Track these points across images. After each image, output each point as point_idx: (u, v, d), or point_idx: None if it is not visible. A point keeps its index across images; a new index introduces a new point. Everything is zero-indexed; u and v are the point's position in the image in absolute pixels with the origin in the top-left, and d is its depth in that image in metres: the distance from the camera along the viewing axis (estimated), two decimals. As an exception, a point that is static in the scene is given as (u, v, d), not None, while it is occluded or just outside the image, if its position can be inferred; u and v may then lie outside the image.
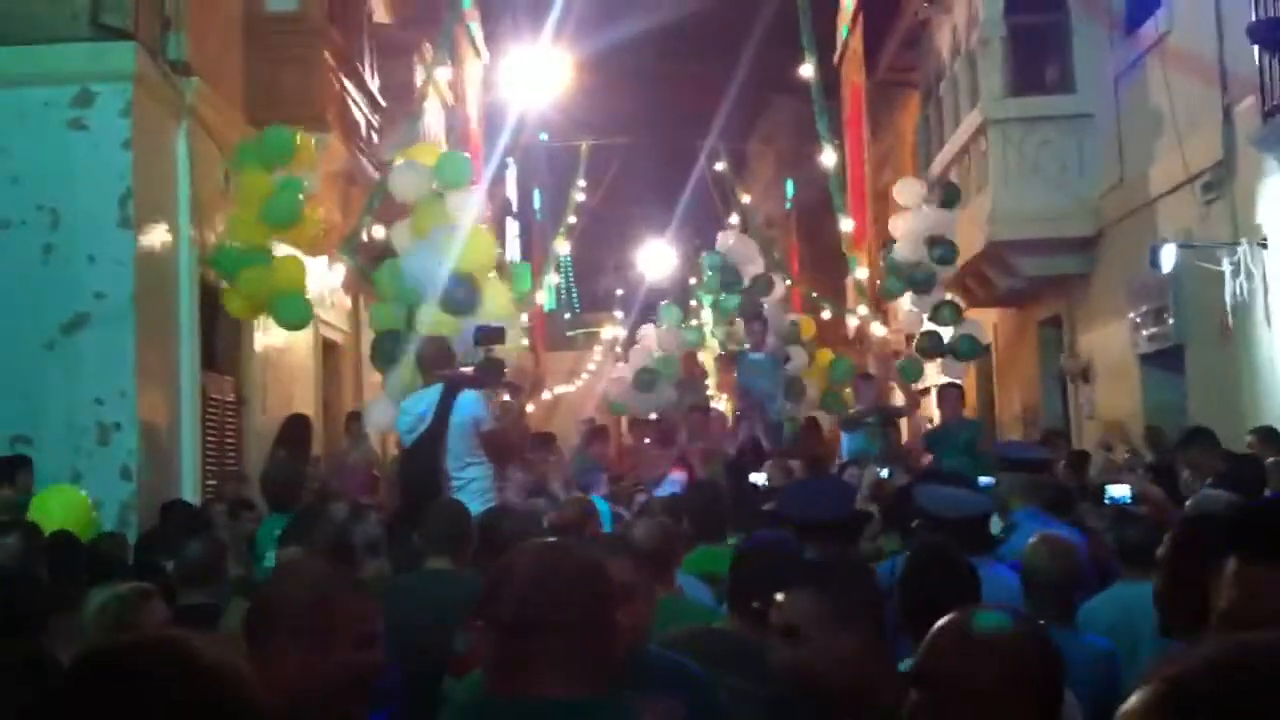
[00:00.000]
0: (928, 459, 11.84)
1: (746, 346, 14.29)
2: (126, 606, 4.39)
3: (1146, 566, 4.99)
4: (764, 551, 3.89)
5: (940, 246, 14.31)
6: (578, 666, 2.32)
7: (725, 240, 17.47)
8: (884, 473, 9.39)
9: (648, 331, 18.47)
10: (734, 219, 30.39)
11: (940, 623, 2.65)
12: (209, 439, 10.43)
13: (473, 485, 7.89)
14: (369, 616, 2.59)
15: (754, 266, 16.52)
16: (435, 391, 8.09)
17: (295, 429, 10.08)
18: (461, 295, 10.12)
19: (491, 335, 9.48)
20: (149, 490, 9.02)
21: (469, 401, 8.07)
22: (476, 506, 7.52)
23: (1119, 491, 6.76)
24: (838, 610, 2.99)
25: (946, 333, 14.55)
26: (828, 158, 15.78)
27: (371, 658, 2.54)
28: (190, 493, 9.57)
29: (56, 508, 6.85)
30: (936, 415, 13.20)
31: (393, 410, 9.48)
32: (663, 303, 19.44)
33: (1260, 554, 1.61)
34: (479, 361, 9.43)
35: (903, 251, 14.70)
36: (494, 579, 2.47)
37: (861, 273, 17.66)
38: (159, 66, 9.71)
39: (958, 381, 13.93)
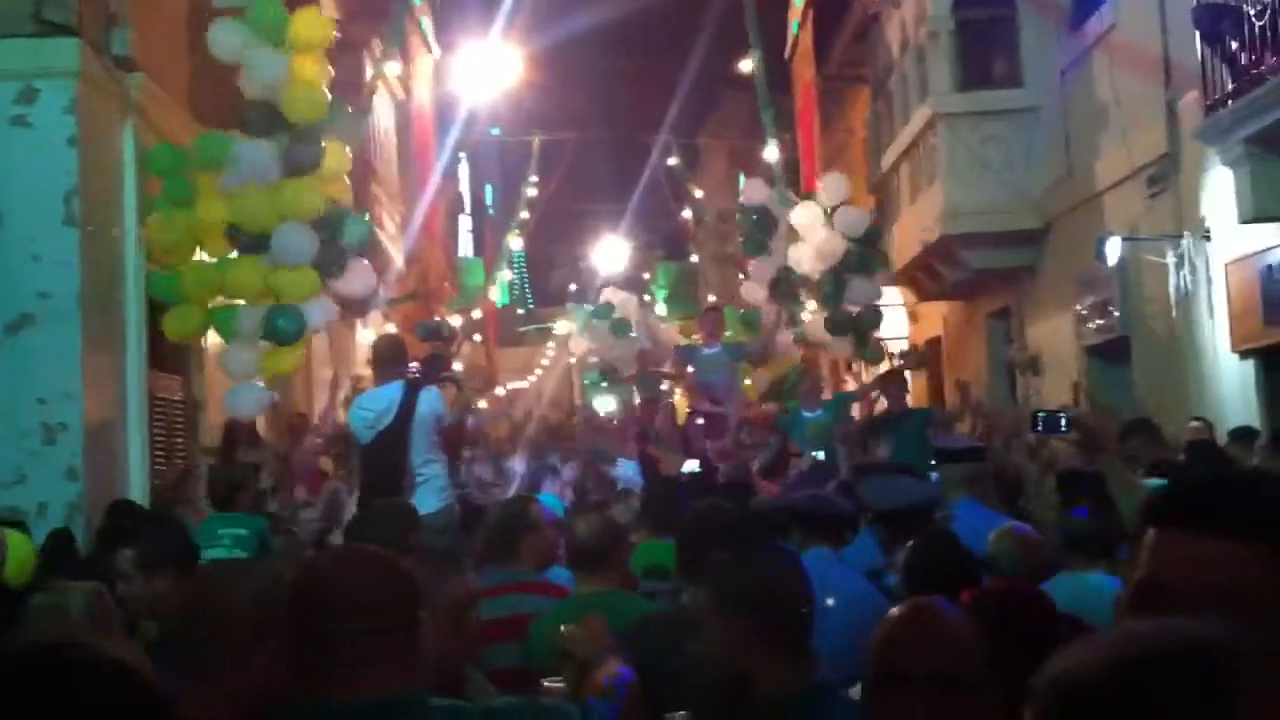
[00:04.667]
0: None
1: (697, 339, 14.31)
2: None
3: (1092, 557, 5.09)
4: (713, 514, 3.98)
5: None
6: (382, 665, 2.35)
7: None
8: (819, 455, 9.46)
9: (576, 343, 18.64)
10: (686, 213, 30.38)
11: (890, 617, 2.68)
12: (156, 439, 10.34)
13: (433, 481, 7.98)
14: None
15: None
16: (394, 389, 8.11)
17: (226, 432, 10.06)
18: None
19: (436, 331, 9.59)
20: (95, 491, 8.92)
21: (430, 398, 8.14)
22: (435, 502, 7.62)
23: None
24: (720, 602, 3.10)
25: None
26: (770, 153, 15.86)
27: None
28: (138, 493, 9.48)
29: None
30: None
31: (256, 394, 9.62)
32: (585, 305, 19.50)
33: (1172, 522, 1.65)
34: (425, 357, 9.48)
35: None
36: (293, 589, 2.50)
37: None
38: (103, 62, 9.59)
39: (899, 368, 13.81)
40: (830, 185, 14.86)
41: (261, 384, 9.67)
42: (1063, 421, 5.90)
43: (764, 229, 15.36)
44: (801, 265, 14.49)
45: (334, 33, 10.21)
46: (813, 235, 14.32)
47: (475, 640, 3.09)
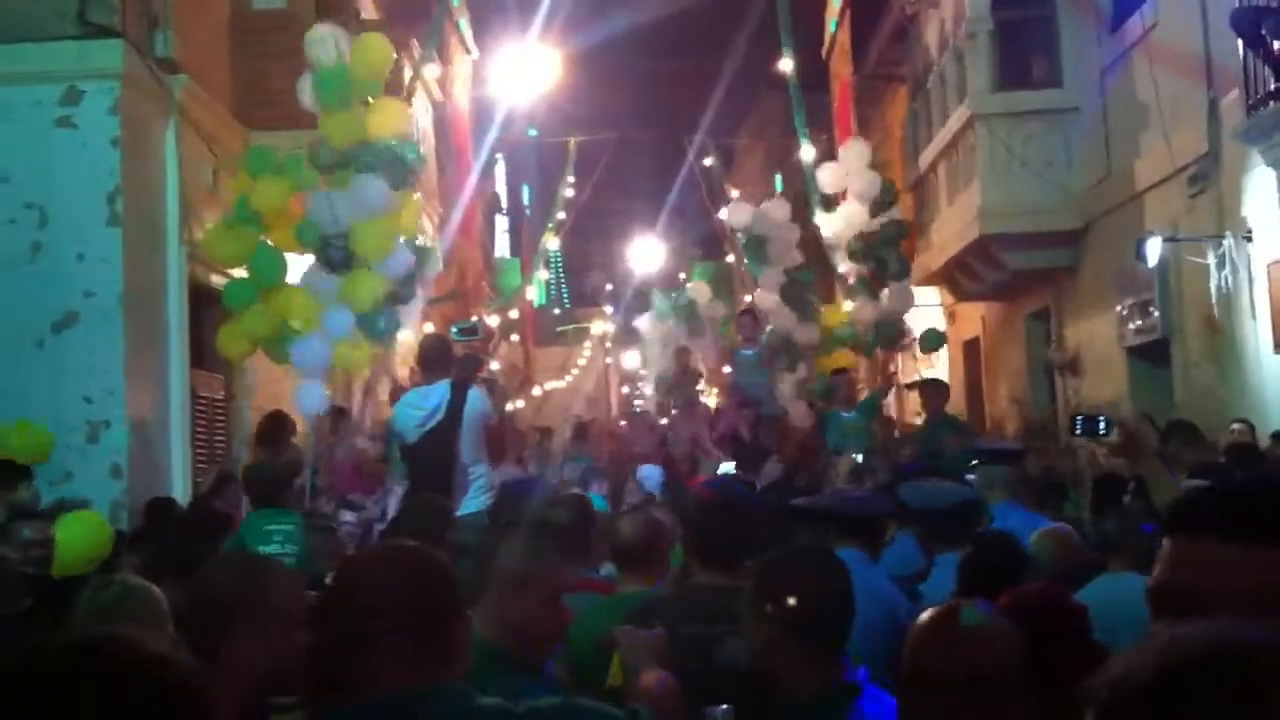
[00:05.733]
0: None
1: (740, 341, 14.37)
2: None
3: (1133, 560, 5.06)
4: (730, 502, 4.01)
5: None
6: (414, 661, 2.36)
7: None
8: (858, 458, 9.47)
9: (642, 321, 18.73)
10: (722, 213, 30.30)
11: (923, 620, 2.69)
12: (198, 437, 10.44)
13: (479, 482, 8.06)
14: (305, 600, 2.72)
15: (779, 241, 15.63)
16: (442, 388, 8.18)
17: (271, 425, 10.12)
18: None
19: (468, 331, 9.71)
20: (139, 488, 9.03)
21: (477, 398, 8.21)
22: (480, 502, 7.67)
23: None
24: (755, 597, 3.13)
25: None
26: (806, 153, 15.89)
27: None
28: (180, 490, 9.58)
29: (77, 533, 6.77)
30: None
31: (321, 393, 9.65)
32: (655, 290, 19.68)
33: (1187, 529, 1.69)
34: (460, 357, 9.55)
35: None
36: (327, 587, 2.54)
37: (845, 265, 17.65)
38: (147, 64, 9.71)
39: (942, 378, 13.95)
40: (851, 152, 15.48)
41: (322, 385, 9.73)
42: (1102, 425, 5.88)
43: (760, 245, 15.48)
44: (830, 230, 15.13)
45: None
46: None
47: (562, 628, 3.19)
